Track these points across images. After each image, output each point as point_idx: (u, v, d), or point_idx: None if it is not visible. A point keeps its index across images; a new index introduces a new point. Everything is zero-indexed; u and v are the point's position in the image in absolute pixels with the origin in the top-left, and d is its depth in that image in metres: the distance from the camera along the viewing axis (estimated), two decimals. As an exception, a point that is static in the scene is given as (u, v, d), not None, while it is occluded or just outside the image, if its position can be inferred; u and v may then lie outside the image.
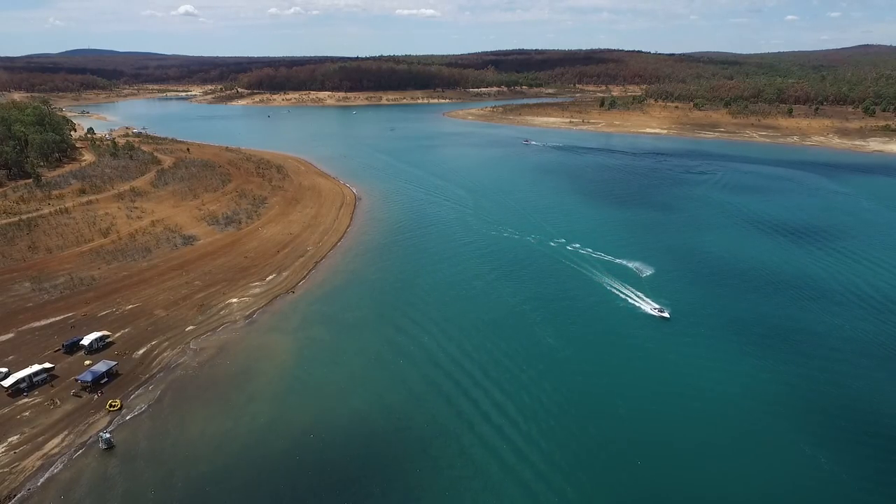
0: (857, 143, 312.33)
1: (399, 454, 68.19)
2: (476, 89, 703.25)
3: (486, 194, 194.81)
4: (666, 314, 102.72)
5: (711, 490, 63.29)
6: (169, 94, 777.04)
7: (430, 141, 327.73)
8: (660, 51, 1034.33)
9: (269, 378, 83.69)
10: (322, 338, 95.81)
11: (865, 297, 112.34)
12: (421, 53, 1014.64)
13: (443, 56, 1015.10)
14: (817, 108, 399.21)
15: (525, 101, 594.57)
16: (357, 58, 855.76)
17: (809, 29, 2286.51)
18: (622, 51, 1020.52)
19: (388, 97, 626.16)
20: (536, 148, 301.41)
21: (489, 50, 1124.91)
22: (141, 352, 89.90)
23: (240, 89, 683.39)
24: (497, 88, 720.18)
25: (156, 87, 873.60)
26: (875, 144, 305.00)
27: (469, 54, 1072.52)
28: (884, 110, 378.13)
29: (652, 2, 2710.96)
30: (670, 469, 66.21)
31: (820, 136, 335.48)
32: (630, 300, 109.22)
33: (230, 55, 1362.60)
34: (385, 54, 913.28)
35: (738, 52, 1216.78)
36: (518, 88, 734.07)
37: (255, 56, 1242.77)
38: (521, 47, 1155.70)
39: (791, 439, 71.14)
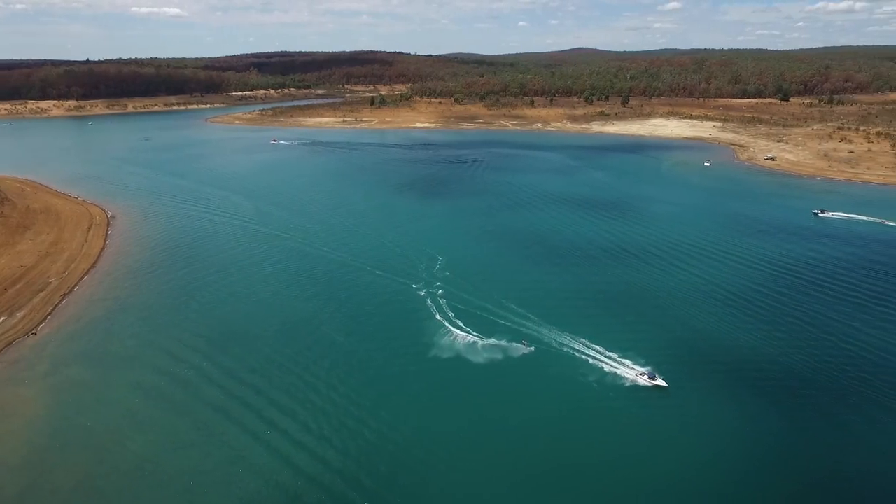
0: (583, 126, 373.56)
1: (191, 491, 60.25)
2: (240, 93, 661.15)
3: (266, 199, 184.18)
4: (661, 381, 77.92)
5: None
6: None
7: (195, 149, 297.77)
8: (419, 52, 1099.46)
9: (17, 438, 67.23)
10: (84, 379, 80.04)
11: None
12: (171, 56, 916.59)
13: (198, 59, 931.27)
14: (552, 99, 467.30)
15: (295, 103, 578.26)
16: (88, 61, 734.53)
17: (537, 34, 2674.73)
18: (385, 52, 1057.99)
19: (134, 104, 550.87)
20: (311, 148, 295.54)
21: (250, 52, 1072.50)
22: None
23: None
24: (264, 91, 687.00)
25: None
26: (596, 127, 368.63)
27: (229, 56, 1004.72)
28: (598, 99, 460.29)
29: (407, 7, 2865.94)
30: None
31: (557, 122, 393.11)
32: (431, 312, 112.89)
33: None
34: (125, 57, 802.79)
35: (486, 52, 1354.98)
36: (286, 91, 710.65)
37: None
38: (284, 49, 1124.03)
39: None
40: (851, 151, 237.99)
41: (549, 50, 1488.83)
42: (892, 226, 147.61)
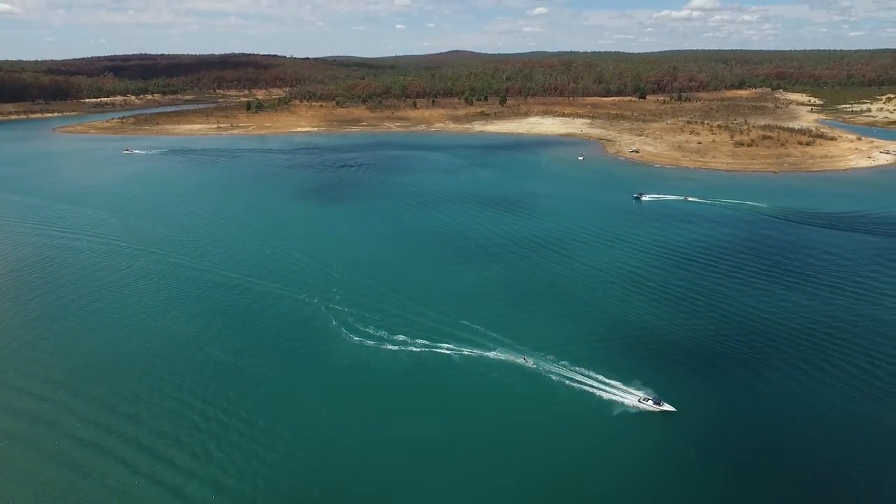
0: (466, 126, 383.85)
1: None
2: (95, 100, 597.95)
3: (136, 214, 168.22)
4: (667, 406, 71.93)
5: None
6: None
7: (43, 163, 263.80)
8: (295, 55, 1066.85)
9: None
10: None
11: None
12: (2, 59, 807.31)
13: (38, 61, 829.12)
14: (434, 101, 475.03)
15: (161, 109, 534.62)
16: None
17: (415, 36, 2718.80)
18: (259, 55, 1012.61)
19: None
20: (183, 156, 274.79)
21: (104, 55, 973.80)
22: None
23: None
24: (123, 98, 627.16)
25: None
26: (478, 126, 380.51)
27: (77, 59, 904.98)
28: (477, 100, 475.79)
29: (279, 8, 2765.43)
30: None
31: (440, 123, 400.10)
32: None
33: None
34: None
35: (364, 55, 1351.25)
36: (150, 97, 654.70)
37: None
38: (143, 52, 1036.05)
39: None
40: (700, 143, 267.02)
41: (428, 52, 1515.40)
42: (693, 201, 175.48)
